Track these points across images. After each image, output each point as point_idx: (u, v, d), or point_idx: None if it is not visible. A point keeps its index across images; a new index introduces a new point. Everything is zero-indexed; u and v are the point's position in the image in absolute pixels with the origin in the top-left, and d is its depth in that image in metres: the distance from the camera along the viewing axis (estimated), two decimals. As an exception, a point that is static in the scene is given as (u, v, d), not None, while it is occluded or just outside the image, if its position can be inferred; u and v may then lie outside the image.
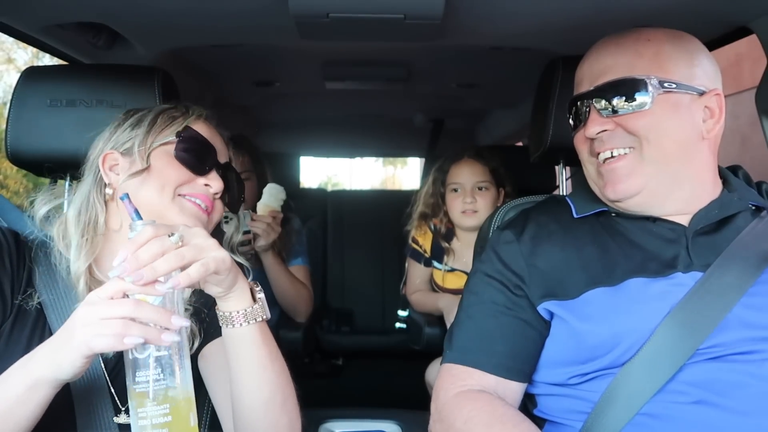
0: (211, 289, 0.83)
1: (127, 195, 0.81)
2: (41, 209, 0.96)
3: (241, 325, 0.85)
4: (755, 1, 1.14)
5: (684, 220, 0.95)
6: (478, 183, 1.97)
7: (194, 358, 0.99)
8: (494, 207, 1.95)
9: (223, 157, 1.04)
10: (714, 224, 0.94)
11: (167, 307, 0.74)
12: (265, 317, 0.87)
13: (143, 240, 0.74)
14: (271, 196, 1.79)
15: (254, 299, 0.87)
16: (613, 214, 0.99)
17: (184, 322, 0.74)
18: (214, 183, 0.98)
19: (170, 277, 0.73)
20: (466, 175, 1.98)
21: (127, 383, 0.72)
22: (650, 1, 1.16)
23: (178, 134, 0.97)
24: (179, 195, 0.96)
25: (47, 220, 0.96)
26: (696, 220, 0.94)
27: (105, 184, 0.97)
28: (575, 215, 1.01)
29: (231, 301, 0.85)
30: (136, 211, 0.79)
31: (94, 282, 0.92)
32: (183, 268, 0.74)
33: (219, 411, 0.96)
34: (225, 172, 1.02)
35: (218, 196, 1.00)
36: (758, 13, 1.18)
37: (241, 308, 0.85)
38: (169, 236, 0.75)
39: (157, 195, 0.94)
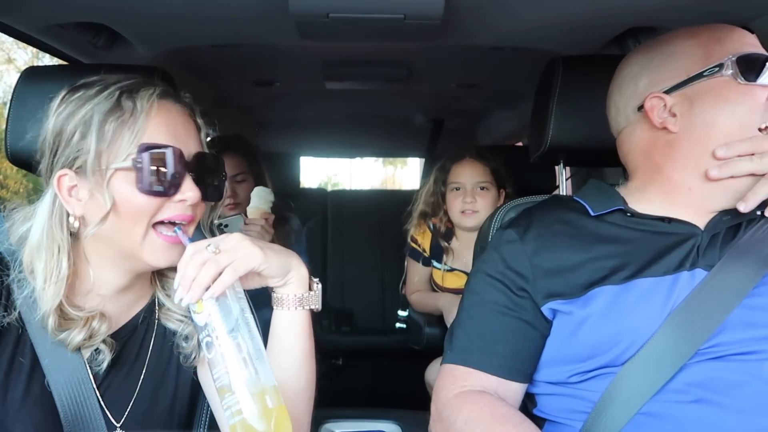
0: (265, 282, 0.86)
1: (179, 228, 0.84)
2: (19, 228, 0.85)
3: (296, 308, 0.87)
4: (755, 1, 1.14)
5: (697, 222, 0.95)
6: (479, 183, 1.97)
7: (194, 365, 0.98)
8: (494, 208, 1.95)
9: (192, 145, 0.86)
10: (724, 229, 0.94)
11: (223, 311, 0.78)
12: (316, 307, 0.89)
13: (187, 258, 0.78)
14: (261, 199, 1.78)
15: (310, 288, 0.89)
16: (629, 214, 0.98)
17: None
18: (189, 194, 0.83)
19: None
20: (467, 175, 1.98)
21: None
22: (650, 1, 1.16)
23: (135, 162, 0.79)
24: (153, 225, 0.84)
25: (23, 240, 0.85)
26: (713, 224, 0.94)
27: (67, 213, 0.83)
28: (592, 213, 1.00)
29: (288, 287, 0.87)
30: (189, 239, 0.84)
31: (71, 313, 0.84)
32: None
33: (220, 420, 0.93)
34: (197, 165, 0.86)
35: (197, 202, 0.86)
36: (758, 13, 1.18)
37: (298, 293, 0.87)
38: (207, 247, 0.79)
39: (127, 234, 0.82)
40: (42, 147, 0.85)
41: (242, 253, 0.79)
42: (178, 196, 0.83)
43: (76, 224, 0.83)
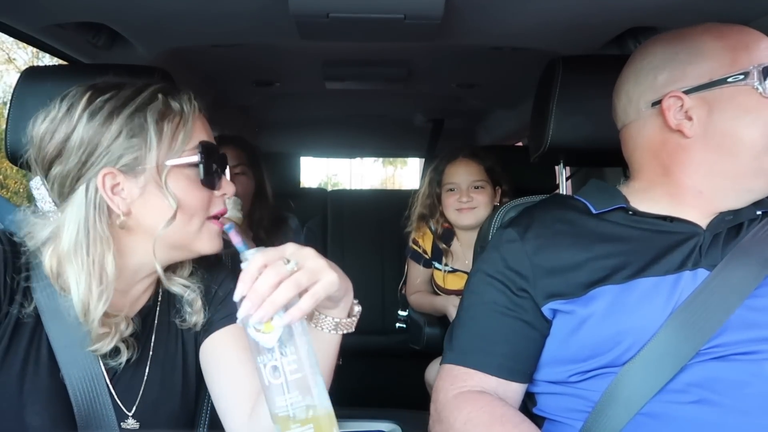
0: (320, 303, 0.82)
1: (233, 225, 0.80)
2: (40, 233, 0.84)
3: (328, 331, 0.85)
4: (755, 1, 1.14)
5: (700, 221, 0.94)
6: (473, 182, 1.96)
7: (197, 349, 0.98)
8: (491, 205, 1.95)
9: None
10: (726, 229, 0.94)
11: (294, 335, 0.71)
12: (350, 331, 0.87)
13: (256, 270, 0.70)
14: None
15: (350, 313, 0.86)
16: (630, 213, 0.98)
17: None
18: (228, 188, 0.92)
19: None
20: (462, 175, 1.97)
21: (269, 409, 0.71)
22: (650, 1, 1.16)
23: (201, 157, 0.86)
24: (206, 218, 0.89)
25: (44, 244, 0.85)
26: (715, 224, 0.93)
27: (109, 210, 0.84)
28: (594, 211, 1.00)
29: (333, 310, 0.84)
30: (244, 242, 0.77)
31: (108, 318, 0.85)
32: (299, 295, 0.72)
33: (221, 407, 0.93)
34: (222, 163, 0.94)
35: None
36: (758, 13, 1.18)
37: (338, 318, 0.84)
38: (285, 263, 0.72)
39: (183, 227, 0.86)
40: (60, 149, 0.83)
41: (322, 276, 0.74)
42: (220, 192, 0.91)
43: (123, 220, 0.84)
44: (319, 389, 0.71)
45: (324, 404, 0.71)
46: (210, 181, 0.88)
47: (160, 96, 0.85)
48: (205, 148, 0.87)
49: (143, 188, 0.84)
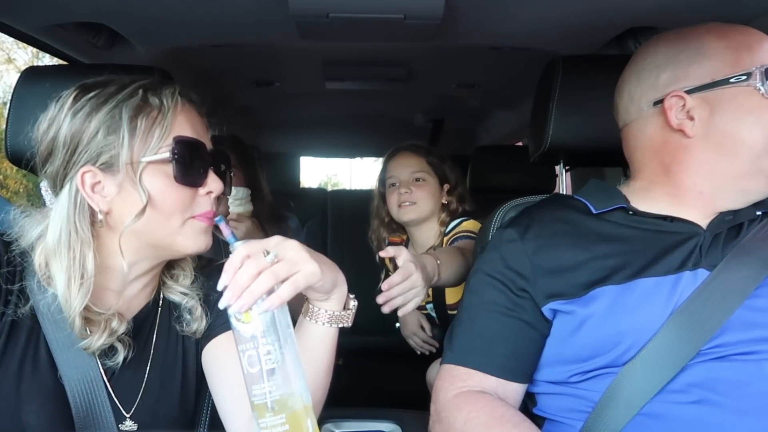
0: (308, 294, 0.84)
1: (222, 217, 0.81)
2: (32, 231, 0.85)
3: (324, 324, 0.86)
4: (755, 1, 1.14)
5: (700, 221, 0.94)
6: (413, 174, 1.91)
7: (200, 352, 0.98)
8: (436, 201, 1.91)
9: (207, 142, 0.90)
10: (726, 229, 0.94)
11: (273, 325, 0.73)
12: (347, 325, 0.88)
13: (238, 262, 0.73)
14: (234, 201, 1.75)
15: (346, 306, 0.87)
16: (630, 212, 0.98)
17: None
18: (214, 186, 0.88)
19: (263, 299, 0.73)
20: (401, 167, 1.94)
21: (248, 395, 0.73)
22: (650, 1, 1.16)
23: (173, 153, 0.83)
24: (188, 218, 0.87)
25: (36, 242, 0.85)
26: (715, 224, 0.93)
27: (91, 208, 0.84)
28: (594, 211, 1.00)
29: (326, 303, 0.86)
30: (233, 234, 0.78)
31: (92, 314, 0.85)
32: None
33: (222, 410, 0.93)
34: (214, 160, 0.91)
35: (219, 195, 0.90)
36: (758, 13, 1.18)
37: (332, 310, 0.86)
38: (265, 255, 0.74)
39: (163, 226, 0.85)
40: (50, 148, 0.84)
41: (302, 267, 0.76)
42: (205, 189, 0.87)
43: (102, 218, 0.83)
44: (298, 382, 0.73)
45: (302, 397, 0.73)
46: (188, 178, 0.85)
47: (140, 91, 0.84)
48: (180, 144, 0.84)
49: (120, 186, 0.83)
